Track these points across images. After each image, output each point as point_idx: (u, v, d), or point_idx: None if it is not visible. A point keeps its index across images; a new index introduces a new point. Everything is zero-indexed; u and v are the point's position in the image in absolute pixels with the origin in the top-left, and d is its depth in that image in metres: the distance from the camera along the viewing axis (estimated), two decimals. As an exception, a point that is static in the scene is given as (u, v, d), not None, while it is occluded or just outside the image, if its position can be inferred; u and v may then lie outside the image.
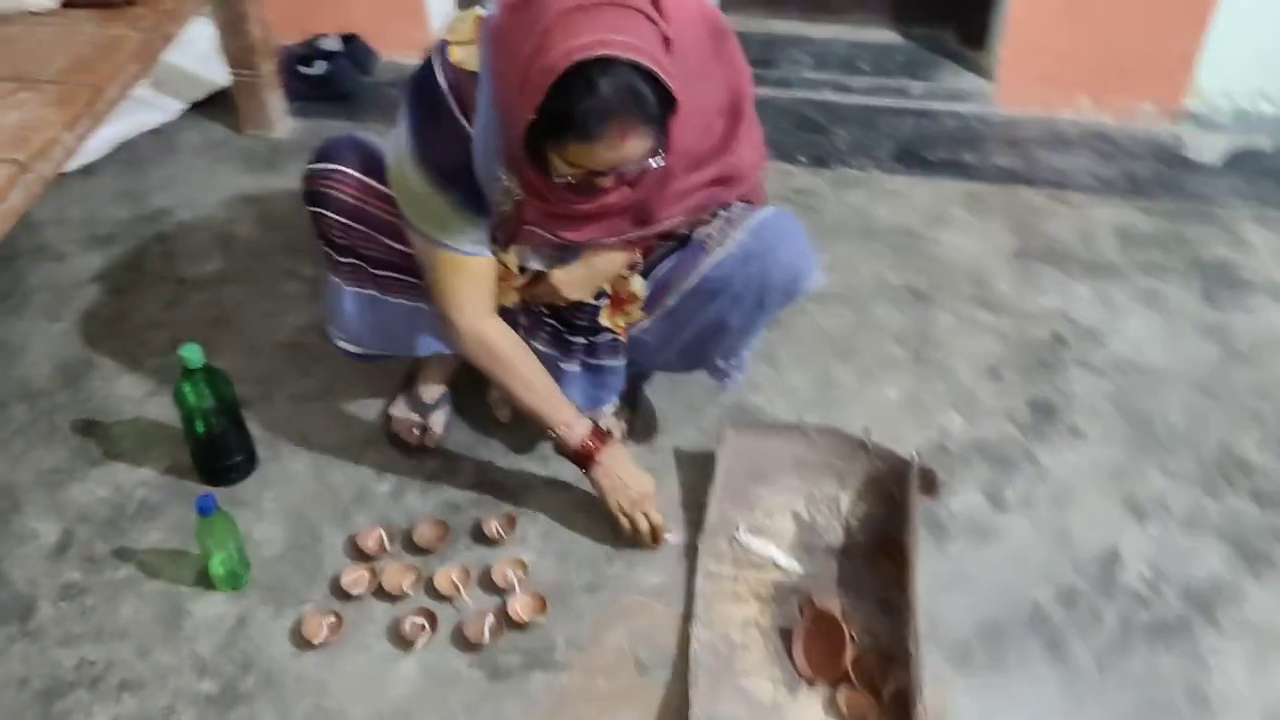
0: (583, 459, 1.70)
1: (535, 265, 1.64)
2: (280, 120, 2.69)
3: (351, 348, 1.80)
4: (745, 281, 1.62)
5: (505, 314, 1.70)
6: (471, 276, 1.58)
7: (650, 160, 1.40)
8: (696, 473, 1.87)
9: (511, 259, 1.62)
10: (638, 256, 1.66)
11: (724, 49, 1.50)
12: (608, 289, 1.68)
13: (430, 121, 1.46)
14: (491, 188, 1.50)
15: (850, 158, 2.73)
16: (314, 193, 1.65)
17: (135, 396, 2.01)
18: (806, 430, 1.82)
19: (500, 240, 1.59)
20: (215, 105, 2.81)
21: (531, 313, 1.73)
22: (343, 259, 1.69)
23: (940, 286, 2.33)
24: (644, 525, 1.72)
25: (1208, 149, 2.79)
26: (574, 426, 1.68)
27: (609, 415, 1.88)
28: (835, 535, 1.77)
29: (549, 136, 1.34)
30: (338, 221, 1.64)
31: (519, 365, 1.65)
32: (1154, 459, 1.95)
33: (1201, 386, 2.11)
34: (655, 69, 1.28)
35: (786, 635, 1.63)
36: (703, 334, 1.70)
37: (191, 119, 2.79)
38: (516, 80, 1.33)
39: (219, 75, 2.73)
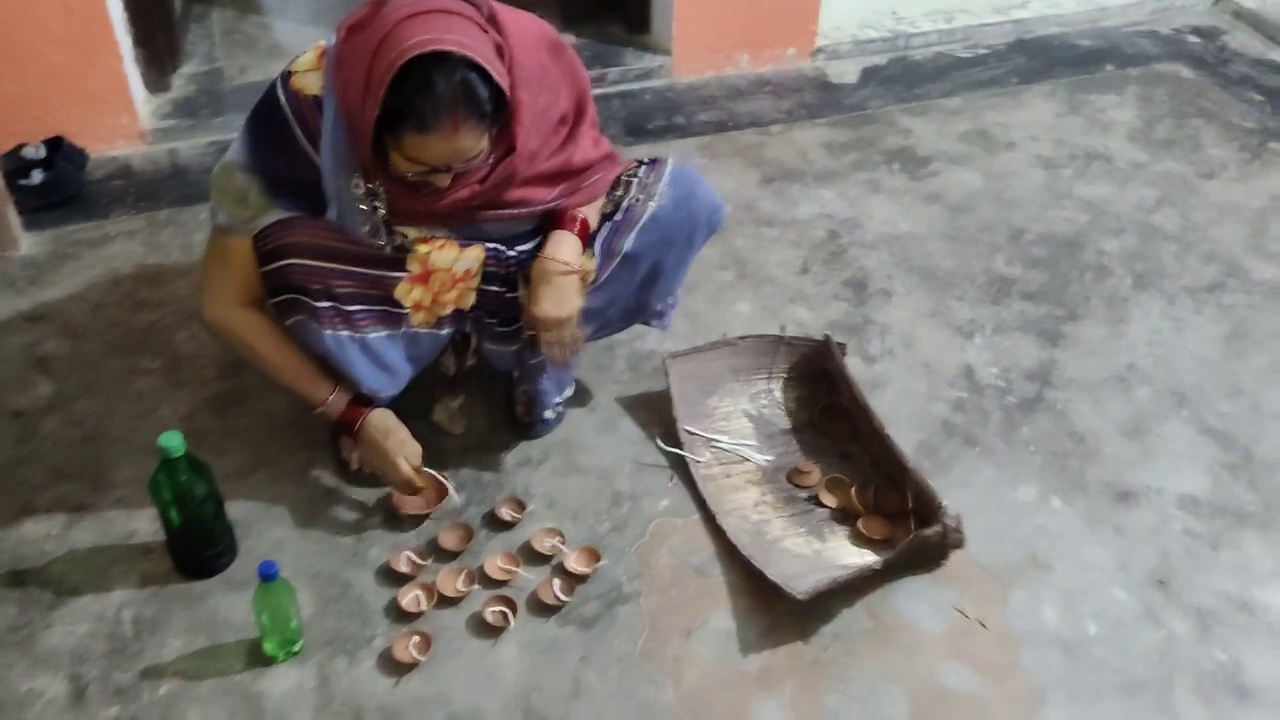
0: (348, 426, 1.78)
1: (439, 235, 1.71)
2: (20, 236, 2.47)
3: (388, 390, 1.81)
4: (677, 225, 1.84)
5: (459, 316, 1.80)
6: (232, 264, 1.65)
7: (486, 160, 1.56)
8: (643, 410, 2.08)
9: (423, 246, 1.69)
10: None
11: (562, 59, 1.69)
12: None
13: (268, 139, 1.59)
14: (345, 201, 1.61)
15: (589, 141, 3.02)
16: (275, 250, 1.63)
17: (53, 533, 1.84)
18: (732, 341, 2.09)
19: (389, 235, 1.66)
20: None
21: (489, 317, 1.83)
22: (319, 303, 1.67)
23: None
24: (412, 478, 1.81)
25: (845, 73, 3.40)
26: (332, 403, 1.77)
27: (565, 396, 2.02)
28: (782, 419, 2.07)
29: (389, 132, 1.47)
30: (304, 267, 1.63)
31: (267, 351, 1.73)
32: (949, 295, 2.45)
33: (946, 237, 2.65)
34: (486, 66, 1.45)
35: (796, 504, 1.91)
36: (643, 283, 1.88)
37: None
38: (360, 86, 1.46)
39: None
